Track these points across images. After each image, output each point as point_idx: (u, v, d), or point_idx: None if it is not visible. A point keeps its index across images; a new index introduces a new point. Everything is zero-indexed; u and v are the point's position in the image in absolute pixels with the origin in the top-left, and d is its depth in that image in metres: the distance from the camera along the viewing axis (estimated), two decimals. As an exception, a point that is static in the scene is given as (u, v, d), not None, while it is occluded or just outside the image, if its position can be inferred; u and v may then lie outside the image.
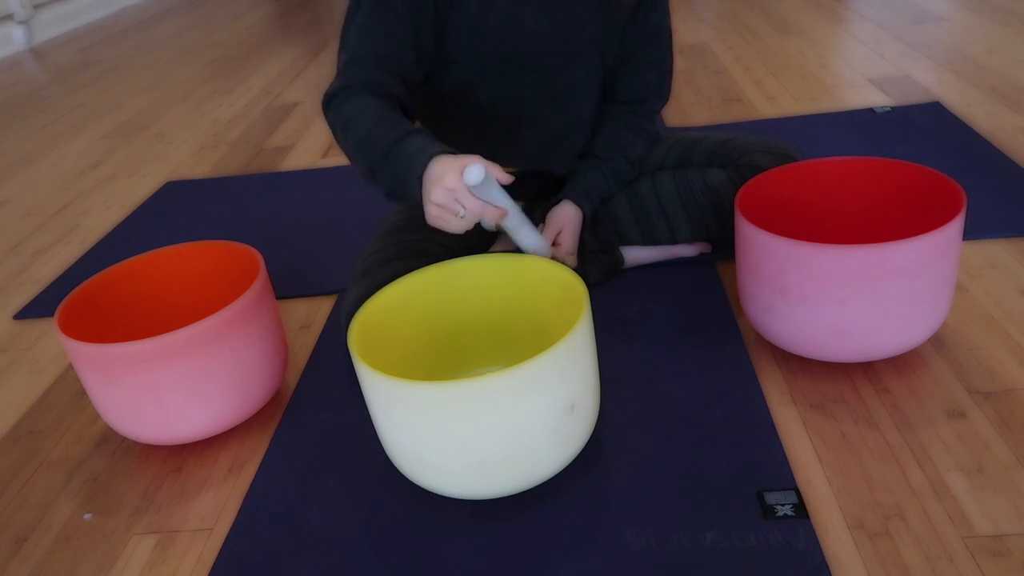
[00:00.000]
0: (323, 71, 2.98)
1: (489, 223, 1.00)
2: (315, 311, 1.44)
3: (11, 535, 1.05)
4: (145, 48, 3.82)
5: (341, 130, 1.07)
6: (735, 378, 1.12)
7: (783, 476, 0.95)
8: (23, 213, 2.09)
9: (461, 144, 1.31)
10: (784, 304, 1.05)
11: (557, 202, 1.31)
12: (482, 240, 1.37)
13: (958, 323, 1.17)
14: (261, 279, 1.11)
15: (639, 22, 1.25)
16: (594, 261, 1.35)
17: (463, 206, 0.94)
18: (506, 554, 0.90)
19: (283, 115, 2.54)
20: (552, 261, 1.03)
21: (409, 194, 1.01)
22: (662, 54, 1.30)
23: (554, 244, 1.29)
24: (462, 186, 0.93)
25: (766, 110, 2.04)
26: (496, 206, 0.97)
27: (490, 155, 1.29)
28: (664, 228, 1.32)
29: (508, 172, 0.98)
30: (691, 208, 1.30)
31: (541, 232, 1.24)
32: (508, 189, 1.30)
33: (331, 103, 1.09)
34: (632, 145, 1.33)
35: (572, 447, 0.93)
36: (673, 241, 1.34)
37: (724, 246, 1.35)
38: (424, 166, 0.97)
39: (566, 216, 1.29)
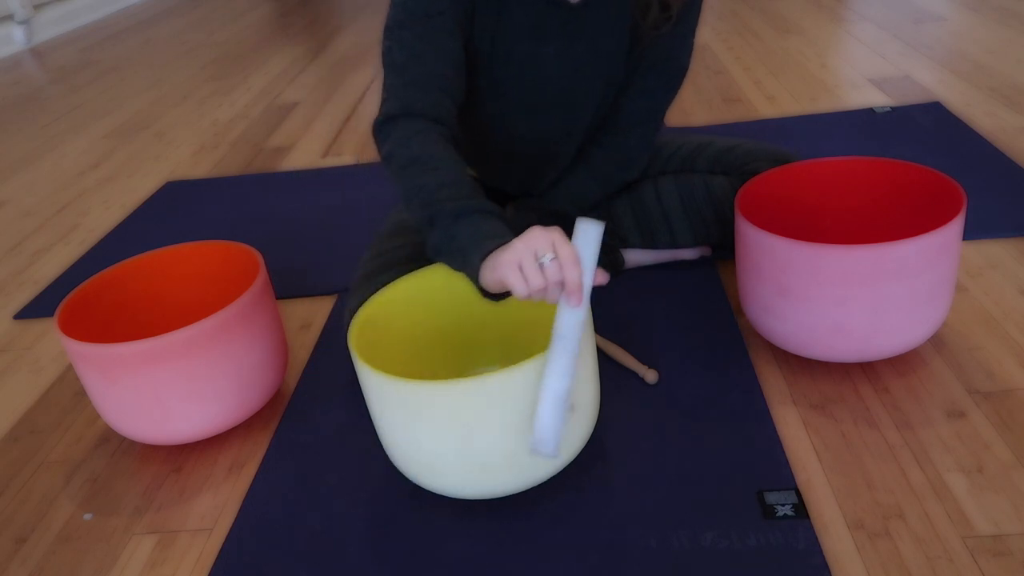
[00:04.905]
0: (323, 71, 2.98)
1: (572, 280, 0.81)
2: (315, 311, 1.44)
3: (11, 535, 1.05)
4: (145, 48, 3.82)
5: (398, 168, 0.95)
6: (735, 378, 1.12)
7: (783, 476, 0.95)
8: (23, 213, 2.09)
9: (486, 177, 1.31)
10: (784, 304, 1.05)
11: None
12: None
13: (958, 323, 1.17)
14: (261, 279, 1.11)
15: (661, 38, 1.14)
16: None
17: (554, 250, 0.80)
18: (506, 554, 0.90)
19: (283, 115, 2.54)
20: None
21: (459, 262, 0.90)
22: (683, 60, 1.20)
23: None
24: (560, 233, 0.82)
25: (766, 110, 2.04)
26: (583, 274, 0.81)
27: (515, 190, 1.29)
28: (665, 233, 1.32)
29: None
30: (693, 214, 1.30)
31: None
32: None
33: (383, 129, 0.99)
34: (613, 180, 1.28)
35: (572, 447, 0.93)
36: (674, 246, 1.34)
37: (725, 251, 1.35)
38: (495, 247, 0.86)
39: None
